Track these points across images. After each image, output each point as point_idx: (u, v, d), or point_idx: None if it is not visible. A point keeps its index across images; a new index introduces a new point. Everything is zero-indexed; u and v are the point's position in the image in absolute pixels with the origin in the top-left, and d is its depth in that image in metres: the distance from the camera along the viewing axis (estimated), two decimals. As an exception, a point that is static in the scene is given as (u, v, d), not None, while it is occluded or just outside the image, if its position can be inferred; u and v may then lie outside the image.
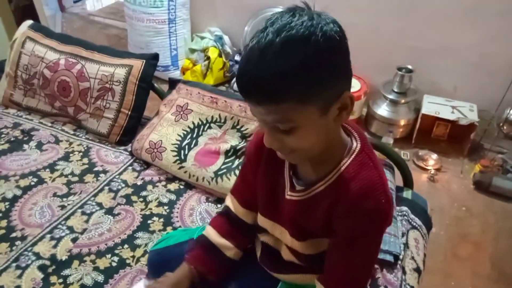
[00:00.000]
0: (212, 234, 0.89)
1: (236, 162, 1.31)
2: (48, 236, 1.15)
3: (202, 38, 2.78)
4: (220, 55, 2.72)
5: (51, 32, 1.71)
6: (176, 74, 2.75)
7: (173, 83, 1.53)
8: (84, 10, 3.89)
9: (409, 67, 2.19)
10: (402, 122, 2.23)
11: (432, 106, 2.17)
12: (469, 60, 2.15)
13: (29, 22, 1.73)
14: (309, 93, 0.57)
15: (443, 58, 2.19)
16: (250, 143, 0.85)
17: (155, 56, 1.54)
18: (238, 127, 1.35)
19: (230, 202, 0.91)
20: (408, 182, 1.29)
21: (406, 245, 1.11)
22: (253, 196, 0.85)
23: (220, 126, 1.38)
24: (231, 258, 0.88)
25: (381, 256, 1.05)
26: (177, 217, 1.22)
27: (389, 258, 1.05)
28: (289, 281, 0.86)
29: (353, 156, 0.68)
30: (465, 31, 2.09)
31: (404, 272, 1.05)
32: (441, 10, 2.09)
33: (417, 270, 1.08)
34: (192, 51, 2.78)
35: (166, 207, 1.25)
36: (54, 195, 1.28)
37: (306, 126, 0.60)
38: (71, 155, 1.44)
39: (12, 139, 1.50)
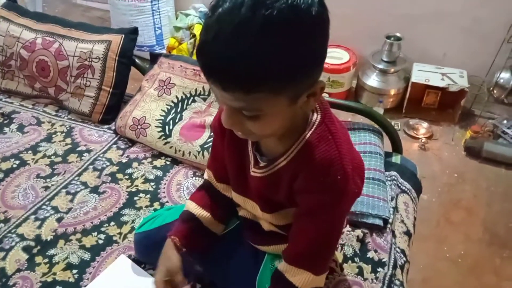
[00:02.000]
0: (192, 206, 0.87)
1: (223, 135, 1.28)
2: (32, 217, 1.13)
3: (187, 15, 2.71)
4: (206, 32, 2.66)
5: (26, 11, 1.64)
6: (161, 53, 2.69)
7: (154, 57, 1.48)
8: (65, -7, 3.78)
9: (398, 35, 2.15)
10: (392, 92, 2.21)
11: (422, 74, 2.15)
12: (460, 25, 2.10)
13: (2, 1, 1.66)
14: (284, 84, 0.52)
15: (433, 24, 2.15)
16: (214, 120, 0.81)
17: (135, 30, 1.49)
18: (222, 99, 1.32)
19: (208, 176, 0.90)
20: (396, 147, 1.28)
21: (395, 209, 1.10)
22: (226, 171, 0.83)
23: (204, 99, 1.34)
24: (210, 229, 0.87)
25: (370, 220, 1.04)
26: (164, 192, 1.20)
27: (379, 222, 1.04)
28: (274, 252, 0.85)
29: (312, 129, 0.65)
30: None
31: (394, 236, 1.05)
32: None
33: (407, 233, 1.07)
34: (177, 29, 2.71)
35: (152, 183, 1.23)
36: (38, 176, 1.25)
37: (272, 115, 0.56)
38: (53, 136, 1.40)
39: (-8, 122, 1.46)
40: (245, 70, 0.48)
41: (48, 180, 1.24)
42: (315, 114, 0.66)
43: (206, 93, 1.34)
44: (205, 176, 0.91)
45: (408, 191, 1.17)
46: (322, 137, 0.64)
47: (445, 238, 1.69)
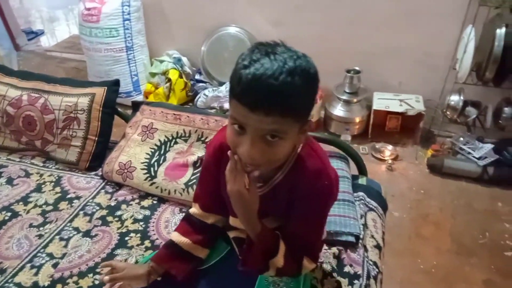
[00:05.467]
0: (174, 235, 1.00)
1: (205, 172, 1.39)
2: (28, 265, 1.18)
3: (161, 61, 2.87)
4: (180, 76, 2.81)
5: (10, 70, 1.74)
6: (139, 99, 2.80)
7: (136, 106, 1.60)
8: (40, 47, 3.90)
9: (357, 68, 2.36)
10: (357, 120, 2.40)
11: (382, 101, 2.35)
12: (413, 58, 2.36)
13: (-13, 63, 1.76)
14: (304, 112, 0.71)
15: (388, 58, 2.39)
16: (207, 155, 0.96)
17: (116, 82, 1.61)
18: (202, 139, 1.44)
19: (193, 209, 1.04)
20: (362, 169, 1.42)
21: (365, 225, 1.23)
22: (212, 200, 0.97)
23: (185, 140, 1.46)
24: (192, 253, 0.98)
25: (343, 238, 1.16)
26: (153, 230, 1.28)
27: (351, 239, 1.16)
28: None
29: (299, 150, 0.82)
30: (407, 33, 2.30)
31: (366, 250, 1.16)
32: (384, 16, 2.30)
33: (377, 246, 1.19)
34: (153, 75, 2.86)
35: (141, 223, 1.31)
36: (30, 225, 1.31)
37: (288, 140, 0.72)
38: (43, 186, 1.47)
39: (-19, 178, 1.52)
40: (285, 96, 0.66)
41: (41, 228, 1.30)
42: None
43: (187, 135, 1.46)
44: (191, 210, 1.03)
45: (375, 209, 1.30)
46: (308, 154, 0.82)
47: (418, 252, 1.82)
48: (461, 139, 2.30)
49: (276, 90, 0.65)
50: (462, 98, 2.22)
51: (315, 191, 0.81)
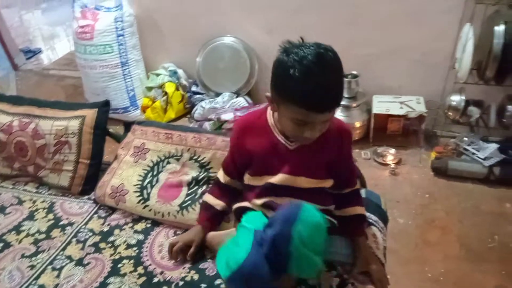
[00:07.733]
0: (210, 198, 1.24)
1: (199, 191, 1.35)
2: (20, 299, 1.15)
3: (158, 75, 2.85)
4: (177, 89, 2.79)
5: (2, 96, 1.73)
6: (136, 113, 2.79)
7: (128, 126, 1.57)
8: (39, 65, 3.91)
9: (354, 72, 2.31)
10: (357, 124, 2.35)
11: (382, 104, 2.30)
12: (411, 59, 2.30)
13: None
14: None
15: (386, 60, 2.34)
16: (232, 138, 1.17)
17: (106, 103, 1.58)
18: (195, 157, 1.41)
19: (220, 173, 1.24)
20: (361, 181, 1.37)
21: (364, 242, 1.18)
22: (234, 169, 1.19)
23: (178, 160, 1.42)
24: (222, 211, 1.22)
25: (344, 259, 1.11)
26: (146, 255, 1.25)
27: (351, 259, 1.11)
28: None
29: None
30: (404, 33, 2.25)
31: (367, 269, 1.11)
32: (380, 17, 2.25)
33: (380, 263, 1.14)
34: (149, 89, 2.84)
35: (135, 248, 1.27)
36: (22, 256, 1.28)
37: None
38: (35, 213, 1.45)
39: (-26, 207, 1.50)
40: (340, 93, 0.92)
41: (33, 258, 1.27)
42: None
43: (179, 154, 1.42)
44: (218, 173, 1.26)
45: (375, 223, 1.24)
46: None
47: (426, 259, 1.76)
48: (465, 139, 2.24)
49: (337, 94, 0.90)
50: (463, 97, 2.16)
51: (345, 131, 1.07)
